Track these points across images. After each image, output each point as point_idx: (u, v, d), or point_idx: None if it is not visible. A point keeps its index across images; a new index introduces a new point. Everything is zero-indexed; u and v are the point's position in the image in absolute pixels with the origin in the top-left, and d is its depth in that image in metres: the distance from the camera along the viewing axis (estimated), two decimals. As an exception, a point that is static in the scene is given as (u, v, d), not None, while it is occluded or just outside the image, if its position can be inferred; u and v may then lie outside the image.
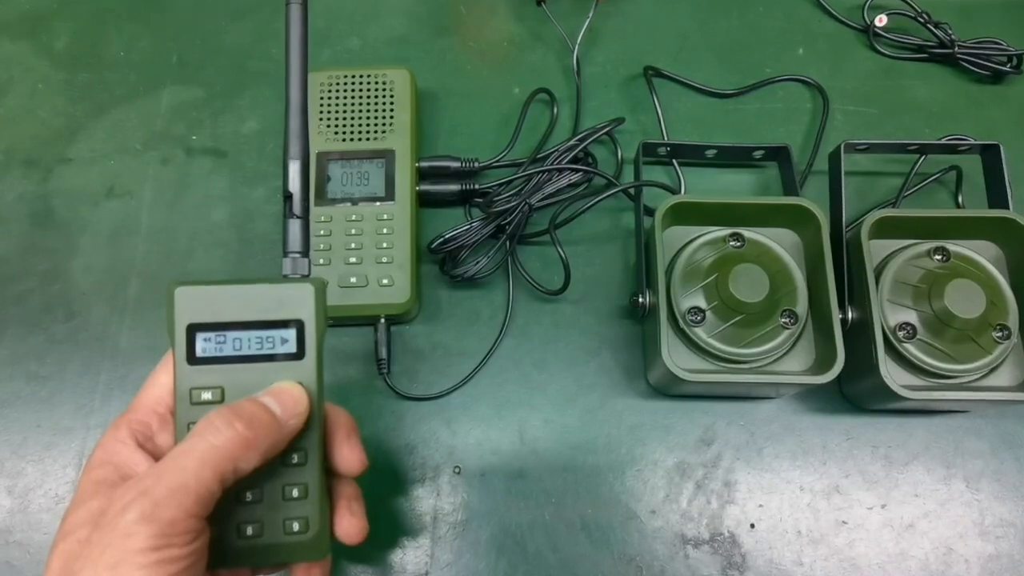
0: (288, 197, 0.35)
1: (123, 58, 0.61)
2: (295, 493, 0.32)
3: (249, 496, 0.32)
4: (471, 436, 0.49)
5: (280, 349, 0.32)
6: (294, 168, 0.35)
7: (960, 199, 0.55)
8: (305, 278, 0.34)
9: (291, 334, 0.32)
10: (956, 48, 0.59)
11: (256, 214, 0.56)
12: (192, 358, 0.32)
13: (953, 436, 0.49)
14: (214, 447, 0.29)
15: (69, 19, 0.63)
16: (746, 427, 0.50)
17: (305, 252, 0.35)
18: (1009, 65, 0.59)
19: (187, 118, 0.59)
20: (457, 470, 0.49)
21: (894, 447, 0.49)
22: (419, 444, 0.49)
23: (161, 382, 0.34)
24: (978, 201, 0.52)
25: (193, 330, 0.32)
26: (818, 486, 0.48)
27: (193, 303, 0.32)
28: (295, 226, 0.35)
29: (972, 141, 0.51)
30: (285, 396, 0.32)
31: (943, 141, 0.52)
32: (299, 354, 0.32)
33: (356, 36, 0.62)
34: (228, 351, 0.32)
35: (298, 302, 0.33)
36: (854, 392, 0.50)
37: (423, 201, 0.54)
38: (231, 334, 0.32)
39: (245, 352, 0.32)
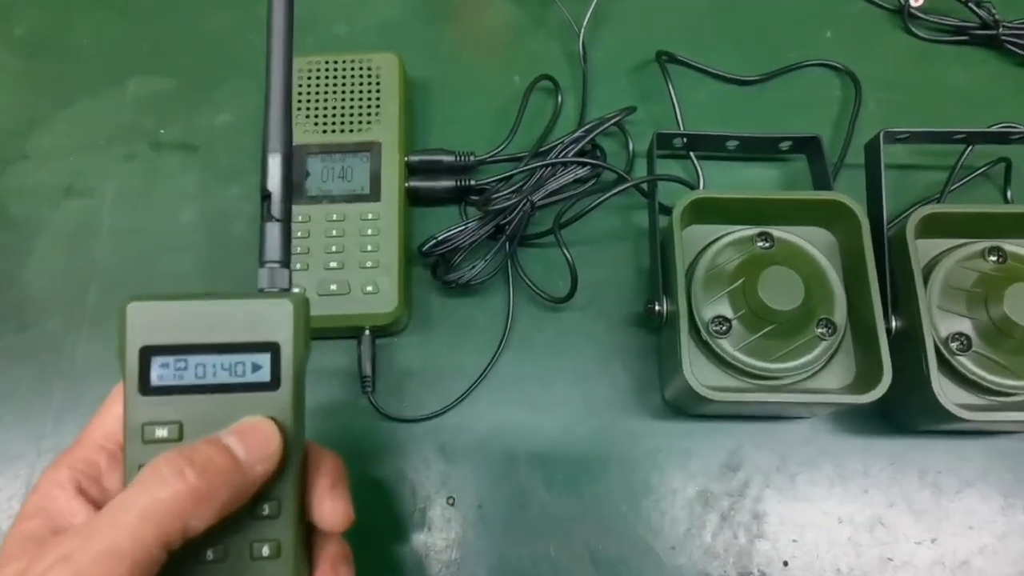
0: (266, 197, 0.30)
1: (89, 46, 0.57)
2: (265, 551, 0.28)
3: (210, 555, 0.27)
4: (467, 462, 0.46)
5: (251, 377, 0.28)
6: (274, 162, 0.30)
7: (1009, 194, 0.51)
8: (284, 292, 0.30)
9: (264, 359, 0.28)
10: (1000, 29, 0.55)
11: (231, 214, 0.52)
12: (146, 387, 0.27)
13: (1012, 460, 0.45)
14: (158, 501, 0.24)
15: (31, 3, 0.59)
16: (776, 451, 0.46)
17: (285, 262, 0.30)
18: (1059, 47, 0.55)
19: (157, 110, 0.55)
20: (451, 501, 0.45)
21: (944, 473, 0.45)
22: (408, 471, 0.45)
23: (115, 413, 0.29)
24: (1029, 196, 0.48)
25: (148, 353, 0.27)
26: (859, 518, 0.44)
27: (149, 322, 0.27)
28: (274, 230, 0.30)
29: (1026, 129, 0.47)
30: (252, 435, 0.27)
31: (993, 129, 0.48)
32: (273, 383, 0.28)
33: (343, 22, 0.59)
34: (189, 379, 0.28)
35: (274, 321, 0.28)
36: (898, 411, 0.45)
37: (413, 199, 0.51)
38: (193, 359, 0.28)
39: (209, 380, 0.28)
